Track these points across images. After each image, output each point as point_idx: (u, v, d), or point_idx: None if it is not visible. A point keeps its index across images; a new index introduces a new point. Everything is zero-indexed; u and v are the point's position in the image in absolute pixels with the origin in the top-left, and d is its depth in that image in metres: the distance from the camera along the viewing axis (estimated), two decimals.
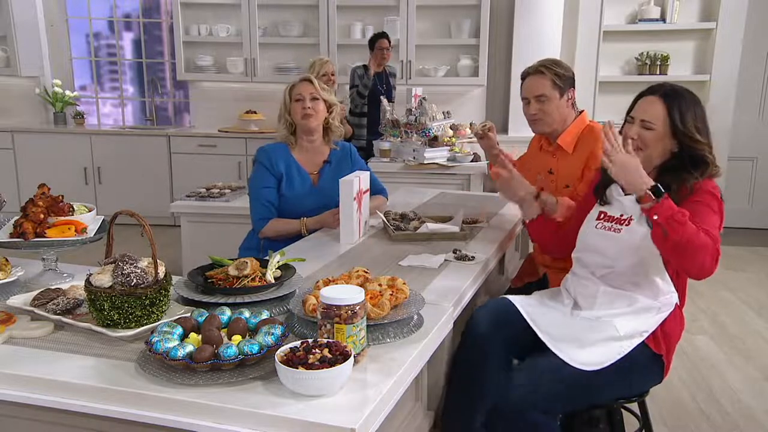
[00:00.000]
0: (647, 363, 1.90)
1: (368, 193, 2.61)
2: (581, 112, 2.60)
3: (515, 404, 1.81)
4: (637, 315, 1.91)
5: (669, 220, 1.72)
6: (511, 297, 2.08)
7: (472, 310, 2.11)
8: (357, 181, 2.45)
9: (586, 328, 1.92)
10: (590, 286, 1.99)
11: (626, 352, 1.84)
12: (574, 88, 2.56)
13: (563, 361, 1.83)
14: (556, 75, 2.49)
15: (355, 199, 2.43)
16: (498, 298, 2.14)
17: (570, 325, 1.95)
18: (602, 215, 2.02)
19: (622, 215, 1.96)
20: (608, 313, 1.93)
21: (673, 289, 1.94)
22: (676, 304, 1.96)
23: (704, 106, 2.02)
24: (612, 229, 1.97)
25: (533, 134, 2.75)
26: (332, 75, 4.81)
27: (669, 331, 1.92)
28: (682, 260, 1.76)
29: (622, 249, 1.92)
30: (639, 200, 1.80)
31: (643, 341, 1.88)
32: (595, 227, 2.02)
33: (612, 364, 1.82)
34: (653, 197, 1.76)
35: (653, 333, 1.89)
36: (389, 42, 5.20)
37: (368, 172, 2.65)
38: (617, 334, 1.87)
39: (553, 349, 1.85)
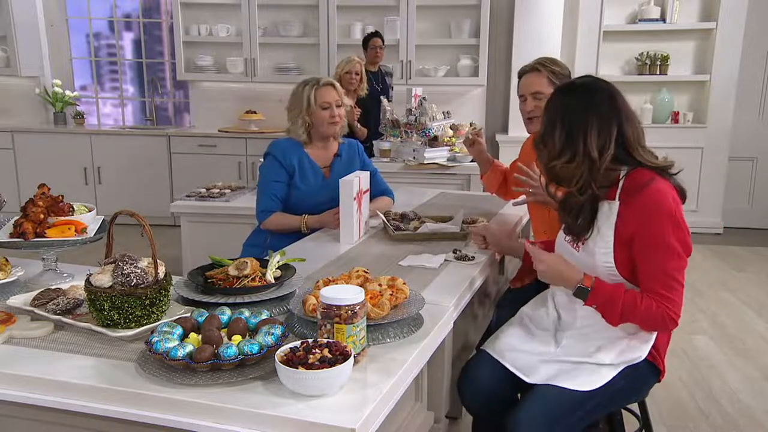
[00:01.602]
0: (646, 371, 1.86)
1: (368, 193, 2.61)
2: None
3: None
4: (619, 340, 1.82)
5: (603, 308, 1.76)
6: (493, 350, 1.96)
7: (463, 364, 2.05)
8: (357, 181, 2.45)
9: (573, 360, 1.84)
10: (569, 295, 1.88)
11: (617, 373, 1.79)
12: None
13: (569, 389, 1.77)
14: (552, 72, 2.49)
15: (355, 199, 2.44)
16: (481, 352, 2.00)
17: (557, 358, 1.86)
18: None
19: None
20: (591, 342, 1.85)
21: None
22: None
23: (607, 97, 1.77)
24: (573, 245, 1.87)
25: (528, 135, 2.74)
26: (356, 74, 4.73)
27: (659, 344, 1.86)
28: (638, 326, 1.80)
29: (581, 266, 1.81)
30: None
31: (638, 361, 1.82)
32: (564, 239, 1.93)
33: (614, 380, 1.79)
34: (582, 295, 1.78)
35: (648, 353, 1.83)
36: (382, 41, 5.22)
37: (368, 173, 2.65)
38: (604, 362, 1.81)
39: (552, 383, 1.78)
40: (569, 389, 1.76)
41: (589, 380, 1.78)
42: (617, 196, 1.77)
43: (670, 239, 1.71)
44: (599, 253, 1.79)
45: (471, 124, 4.81)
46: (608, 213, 1.79)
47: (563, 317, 1.93)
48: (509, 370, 1.88)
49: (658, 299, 1.73)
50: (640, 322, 1.77)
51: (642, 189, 1.73)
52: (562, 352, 1.86)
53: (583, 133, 1.72)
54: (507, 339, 1.97)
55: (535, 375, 1.84)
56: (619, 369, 1.80)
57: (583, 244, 1.84)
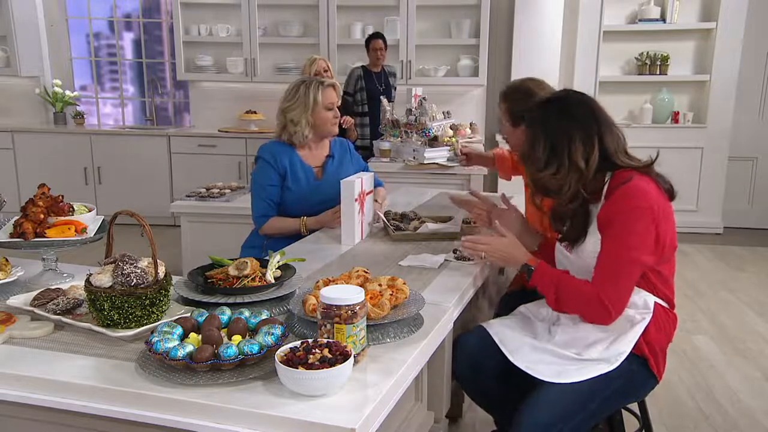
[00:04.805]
0: (639, 371, 1.85)
1: (372, 194, 2.60)
2: None
3: None
4: (610, 333, 1.82)
5: (543, 286, 1.85)
6: (488, 325, 2.00)
7: (458, 333, 2.07)
8: (359, 182, 2.44)
9: (561, 353, 1.85)
10: None
11: (606, 372, 1.78)
12: None
13: (568, 385, 1.76)
14: (509, 108, 2.44)
15: (356, 200, 2.43)
16: (477, 326, 2.04)
17: (545, 347, 1.87)
18: None
19: None
20: (582, 335, 1.85)
21: (646, 296, 1.85)
22: (660, 308, 1.86)
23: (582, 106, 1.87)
24: (568, 249, 1.93)
25: None
26: (324, 71, 4.66)
27: (652, 339, 1.84)
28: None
29: (576, 268, 1.86)
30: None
31: (627, 355, 1.81)
32: (559, 246, 1.98)
33: (609, 376, 1.78)
34: (526, 272, 1.89)
35: (636, 343, 1.82)
36: (384, 43, 5.19)
37: (371, 174, 2.64)
38: (591, 358, 1.81)
39: (548, 379, 1.78)
40: (569, 388, 1.76)
41: (577, 375, 1.79)
42: (602, 198, 1.83)
43: (632, 230, 1.74)
44: (587, 251, 1.84)
45: (471, 124, 4.82)
46: (594, 215, 1.84)
47: (563, 316, 1.94)
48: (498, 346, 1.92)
49: (597, 284, 1.76)
50: (574, 303, 1.81)
51: (620, 186, 1.78)
52: (553, 343, 1.88)
53: (567, 144, 1.80)
54: (502, 321, 2.04)
55: (518, 355, 1.86)
56: (610, 369, 1.78)
57: (574, 247, 1.89)
